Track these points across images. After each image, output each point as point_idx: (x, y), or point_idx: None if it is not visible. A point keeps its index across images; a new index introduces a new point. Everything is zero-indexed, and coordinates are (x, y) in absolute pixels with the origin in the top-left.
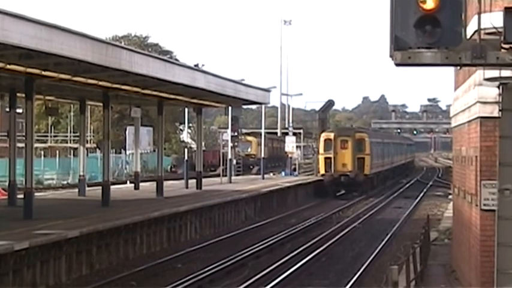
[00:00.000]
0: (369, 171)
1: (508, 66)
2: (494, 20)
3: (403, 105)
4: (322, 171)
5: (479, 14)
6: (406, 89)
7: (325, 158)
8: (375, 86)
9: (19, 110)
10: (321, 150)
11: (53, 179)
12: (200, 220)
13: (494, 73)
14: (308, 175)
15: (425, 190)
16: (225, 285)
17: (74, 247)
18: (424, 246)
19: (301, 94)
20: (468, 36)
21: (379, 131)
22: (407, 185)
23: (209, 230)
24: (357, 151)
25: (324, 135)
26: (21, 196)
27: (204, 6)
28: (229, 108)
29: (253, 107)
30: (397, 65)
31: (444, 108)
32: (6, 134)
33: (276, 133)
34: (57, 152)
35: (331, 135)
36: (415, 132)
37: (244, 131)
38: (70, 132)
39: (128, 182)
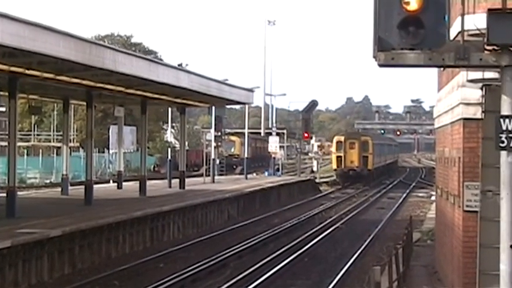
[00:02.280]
0: (372, 166)
1: (491, 68)
2: (477, 21)
3: (387, 106)
4: (334, 166)
5: (462, 15)
6: (390, 89)
7: (337, 156)
8: (359, 87)
9: (2, 109)
10: (334, 150)
11: (36, 177)
12: (183, 220)
13: (477, 75)
14: (291, 175)
15: (408, 191)
16: (207, 285)
17: (57, 246)
18: (407, 247)
19: (284, 94)
20: (452, 38)
21: (378, 135)
22: (390, 186)
23: (192, 230)
24: (362, 151)
25: (336, 138)
26: (4, 195)
27: (188, 6)
28: (213, 108)
29: (237, 106)
30: (381, 65)
31: (428, 109)
32: None
33: (260, 133)
34: (40, 150)
35: (342, 138)
36: (398, 132)
37: (227, 130)
38: (53, 131)
39: (111, 181)
